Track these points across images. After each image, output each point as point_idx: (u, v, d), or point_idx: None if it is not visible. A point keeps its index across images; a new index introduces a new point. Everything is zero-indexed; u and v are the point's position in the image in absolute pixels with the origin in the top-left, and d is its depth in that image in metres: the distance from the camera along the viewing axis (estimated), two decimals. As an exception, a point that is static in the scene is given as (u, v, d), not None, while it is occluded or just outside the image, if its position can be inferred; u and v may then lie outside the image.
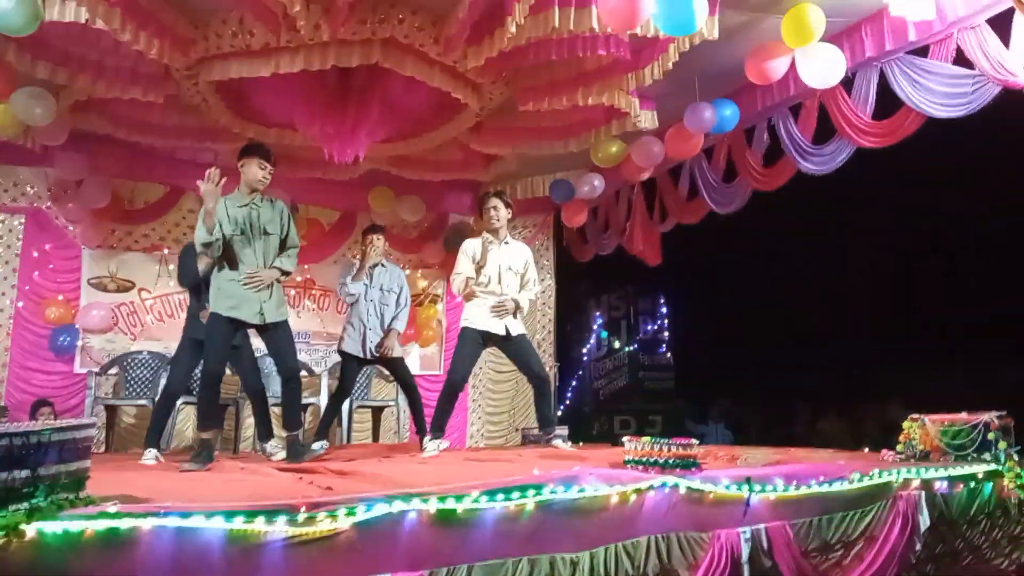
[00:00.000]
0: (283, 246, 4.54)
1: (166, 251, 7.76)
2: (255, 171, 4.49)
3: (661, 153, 6.70)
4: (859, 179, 6.43)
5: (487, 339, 5.11)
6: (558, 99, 5.92)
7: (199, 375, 4.56)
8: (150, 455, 4.44)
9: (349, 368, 5.68)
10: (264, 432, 4.83)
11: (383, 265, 5.75)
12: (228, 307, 4.28)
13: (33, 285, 7.26)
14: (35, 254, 7.33)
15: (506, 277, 5.15)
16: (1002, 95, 4.76)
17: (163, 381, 6.67)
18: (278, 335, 4.44)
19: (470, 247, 5.22)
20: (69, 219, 7.39)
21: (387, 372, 6.22)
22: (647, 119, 6.25)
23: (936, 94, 5.06)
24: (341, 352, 5.71)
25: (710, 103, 6.06)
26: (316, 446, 5.09)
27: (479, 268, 5.10)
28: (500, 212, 5.19)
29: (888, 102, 5.42)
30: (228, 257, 4.34)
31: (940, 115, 5.07)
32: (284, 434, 4.55)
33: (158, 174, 7.66)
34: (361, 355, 5.62)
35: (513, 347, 5.17)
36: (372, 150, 6.62)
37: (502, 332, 5.07)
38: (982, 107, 4.86)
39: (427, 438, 5.04)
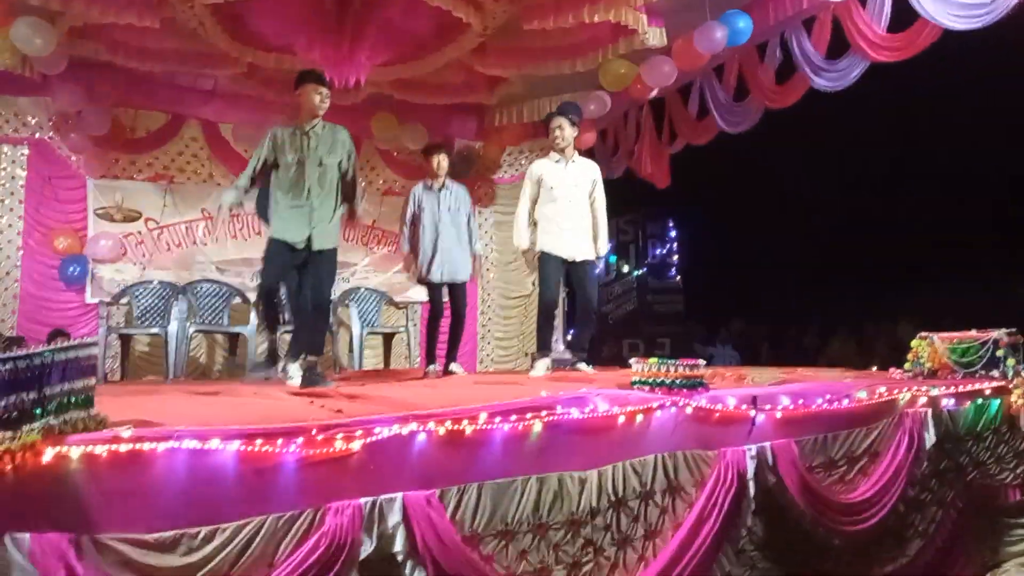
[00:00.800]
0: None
1: (167, 182, 7.71)
2: (312, 98, 4.53)
3: (673, 73, 6.54)
4: (870, 96, 6.27)
5: (564, 262, 5.19)
6: (564, 17, 5.75)
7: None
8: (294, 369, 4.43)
9: (436, 294, 5.55)
10: (295, 352, 4.77)
11: (447, 186, 5.57)
12: (279, 230, 4.45)
13: (40, 216, 7.25)
14: (40, 185, 7.29)
15: (575, 196, 5.17)
16: (1021, 5, 4.59)
17: (174, 309, 6.74)
18: (320, 262, 4.50)
19: (535, 172, 5.24)
20: (72, 149, 7.32)
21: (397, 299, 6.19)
22: (655, 36, 6.07)
23: (953, 5, 4.89)
24: (424, 282, 5.52)
25: (721, 21, 5.87)
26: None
27: (549, 190, 5.13)
28: (566, 132, 5.16)
29: (903, 15, 5.25)
30: (282, 183, 4.48)
31: (957, 27, 4.91)
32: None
33: (159, 101, 7.54)
34: (440, 280, 5.46)
35: (578, 271, 5.26)
36: (374, 74, 6.47)
37: (573, 258, 5.17)
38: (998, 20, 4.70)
39: (536, 358, 5.22)
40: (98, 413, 2.20)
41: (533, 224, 5.22)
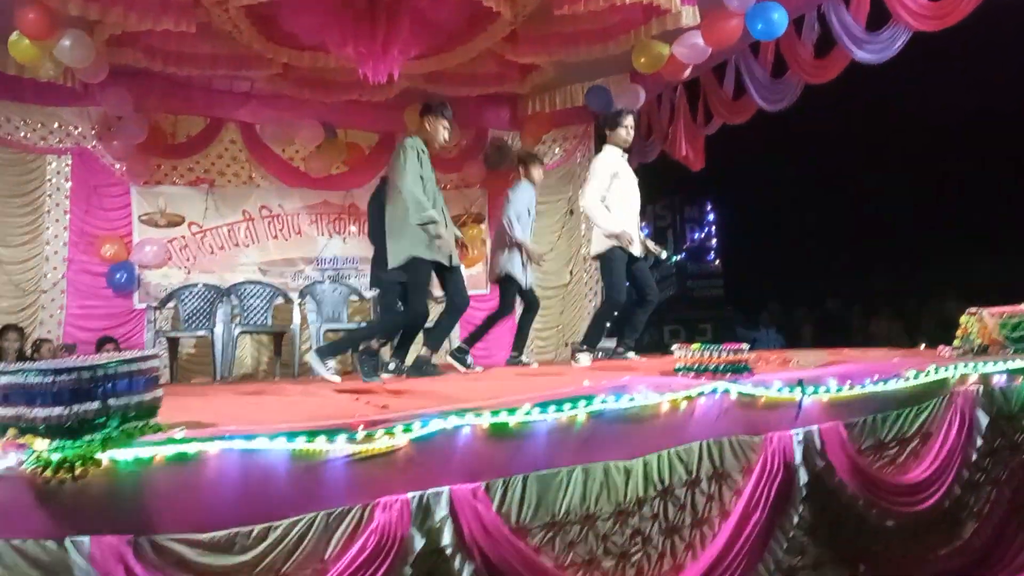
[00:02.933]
0: None
1: (208, 185, 7.84)
2: (440, 130, 4.92)
3: (707, 48, 6.41)
4: (911, 68, 6.11)
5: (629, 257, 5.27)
6: (595, 0, 5.70)
7: None
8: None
9: (510, 291, 5.70)
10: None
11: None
12: (430, 250, 4.61)
13: (85, 225, 7.42)
14: (85, 194, 7.45)
15: (636, 194, 5.36)
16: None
17: (219, 311, 6.85)
18: (459, 275, 4.86)
19: (612, 165, 5.30)
20: (115, 156, 7.49)
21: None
22: (688, 15, 5.97)
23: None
24: (507, 276, 5.65)
25: (751, 13, 5.78)
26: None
27: (622, 185, 5.25)
28: (632, 130, 5.39)
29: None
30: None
31: (1001, -10, 4.75)
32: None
33: (197, 105, 7.68)
34: (523, 278, 5.65)
35: (641, 265, 5.38)
36: (406, 68, 6.49)
37: (637, 253, 5.28)
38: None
39: (581, 352, 5.24)
40: (157, 423, 2.26)
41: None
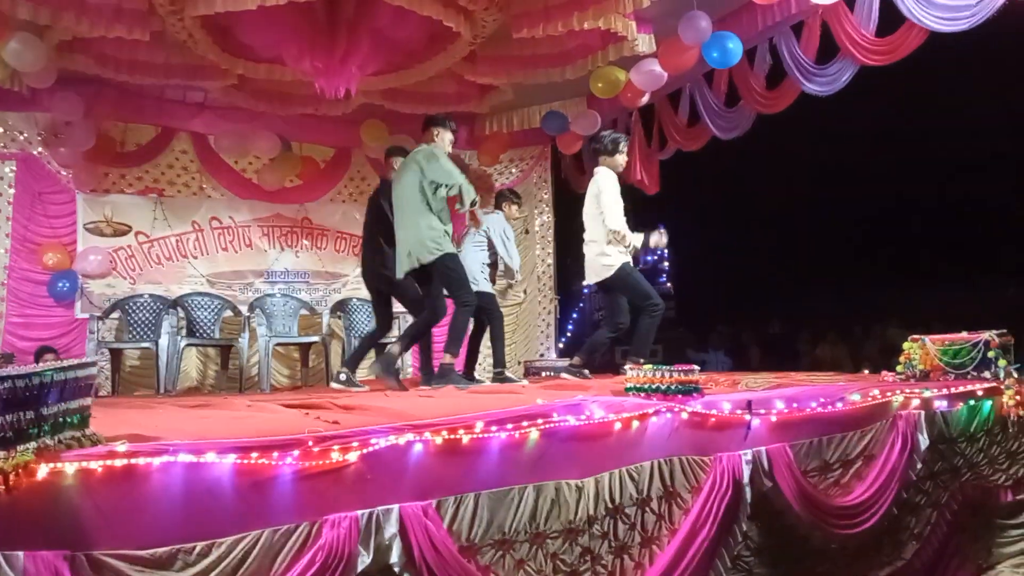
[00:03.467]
0: None
1: (158, 195, 7.69)
2: (447, 140, 5.09)
3: (663, 76, 6.55)
4: (858, 98, 6.32)
5: None
6: (553, 24, 5.77)
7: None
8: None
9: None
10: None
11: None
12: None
13: (28, 232, 7.19)
14: (28, 201, 7.23)
15: None
16: (1006, 7, 4.64)
17: (165, 323, 6.70)
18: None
19: (615, 180, 5.39)
20: (61, 163, 7.29)
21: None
22: (644, 43, 6.11)
23: (938, 7, 4.94)
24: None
25: (710, 44, 5.92)
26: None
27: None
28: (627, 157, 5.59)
29: (891, 18, 5.30)
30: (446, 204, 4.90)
31: (943, 29, 4.96)
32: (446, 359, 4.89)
33: (148, 115, 7.54)
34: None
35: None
36: (364, 84, 6.48)
37: None
38: (984, 21, 4.75)
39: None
40: (93, 432, 2.19)
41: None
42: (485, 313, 5.73)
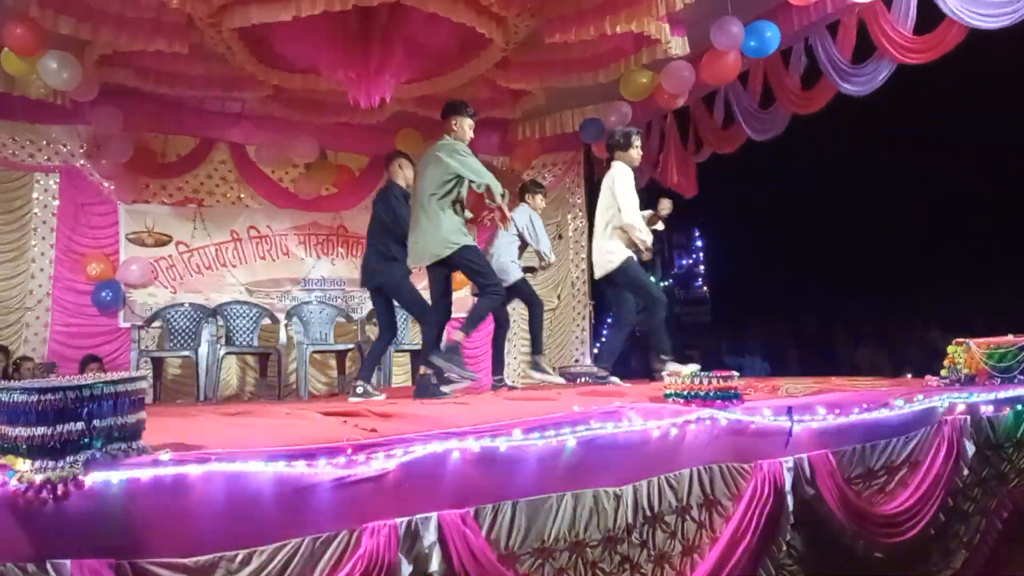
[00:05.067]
0: None
1: (197, 206, 7.82)
2: (467, 130, 4.90)
3: (692, 78, 6.52)
4: (898, 99, 6.22)
5: None
6: (585, 29, 5.77)
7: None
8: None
9: None
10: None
11: None
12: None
13: (72, 243, 7.36)
14: (72, 212, 7.40)
15: None
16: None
17: (205, 331, 6.80)
18: None
19: (630, 176, 5.35)
20: (103, 175, 7.45)
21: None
22: (678, 45, 6.07)
23: (978, 3, 4.85)
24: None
25: (747, 31, 5.86)
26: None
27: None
28: (641, 151, 5.50)
29: (929, 16, 5.21)
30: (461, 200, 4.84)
31: (983, 26, 4.87)
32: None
33: (188, 126, 7.70)
34: None
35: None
36: (398, 91, 6.52)
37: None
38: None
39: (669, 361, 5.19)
40: (140, 442, 2.22)
41: (618, 229, 5.27)
42: (524, 299, 5.80)
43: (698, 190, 7.90)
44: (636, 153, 5.43)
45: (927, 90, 7.53)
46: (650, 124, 8.15)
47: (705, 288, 13.65)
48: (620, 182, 5.25)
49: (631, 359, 12.71)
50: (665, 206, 5.72)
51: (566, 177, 9.06)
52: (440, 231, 4.70)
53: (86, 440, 2.05)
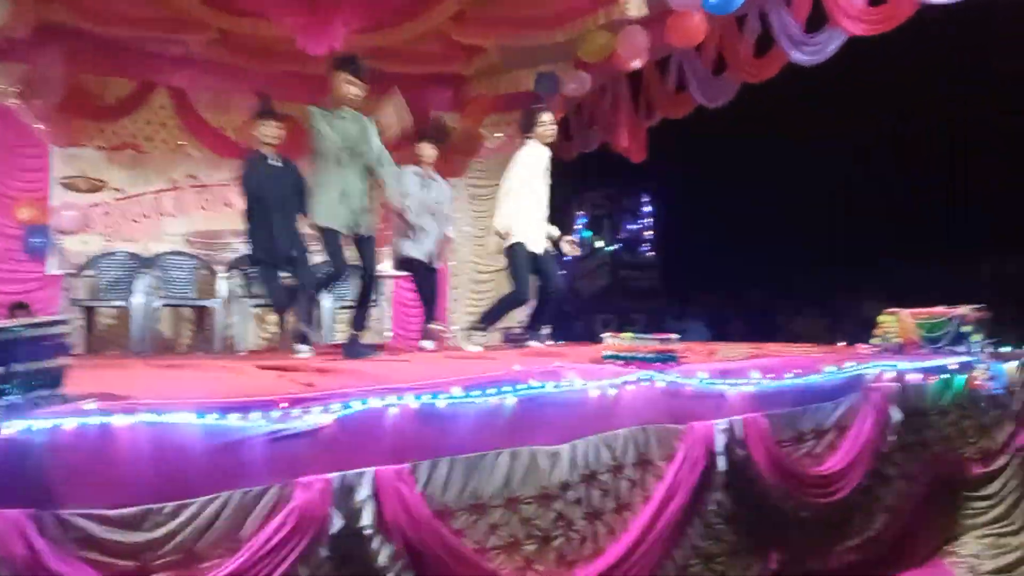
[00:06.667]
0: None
1: (135, 151, 7.54)
2: (344, 88, 4.54)
3: (647, 43, 6.48)
4: (844, 72, 6.29)
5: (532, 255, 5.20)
6: (542, -14, 5.69)
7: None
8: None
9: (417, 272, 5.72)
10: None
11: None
12: (334, 219, 4.52)
13: (2, 186, 7.04)
14: (2, 155, 7.07)
15: (546, 188, 5.27)
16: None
17: (139, 281, 6.60)
18: (370, 246, 4.70)
19: (532, 163, 5.20)
20: (36, 116, 7.11)
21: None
22: (635, 6, 6.02)
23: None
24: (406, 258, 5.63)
25: None
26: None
27: (537, 179, 5.18)
28: (552, 126, 5.25)
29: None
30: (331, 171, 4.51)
31: (934, 0, 4.91)
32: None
33: (128, 68, 7.36)
34: (426, 260, 5.63)
35: (545, 261, 5.31)
36: (348, 42, 6.35)
37: (541, 251, 5.22)
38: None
39: (468, 334, 5.31)
40: (64, 393, 2.16)
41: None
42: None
43: (647, 155, 7.90)
44: (543, 130, 5.23)
45: (880, 62, 7.66)
46: (603, 87, 8.10)
47: (652, 253, 13.78)
48: (518, 160, 5.23)
49: (576, 323, 12.88)
50: (566, 248, 5.64)
51: (517, 138, 8.97)
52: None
53: (4, 386, 1.98)
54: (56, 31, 6.45)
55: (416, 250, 5.55)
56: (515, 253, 5.16)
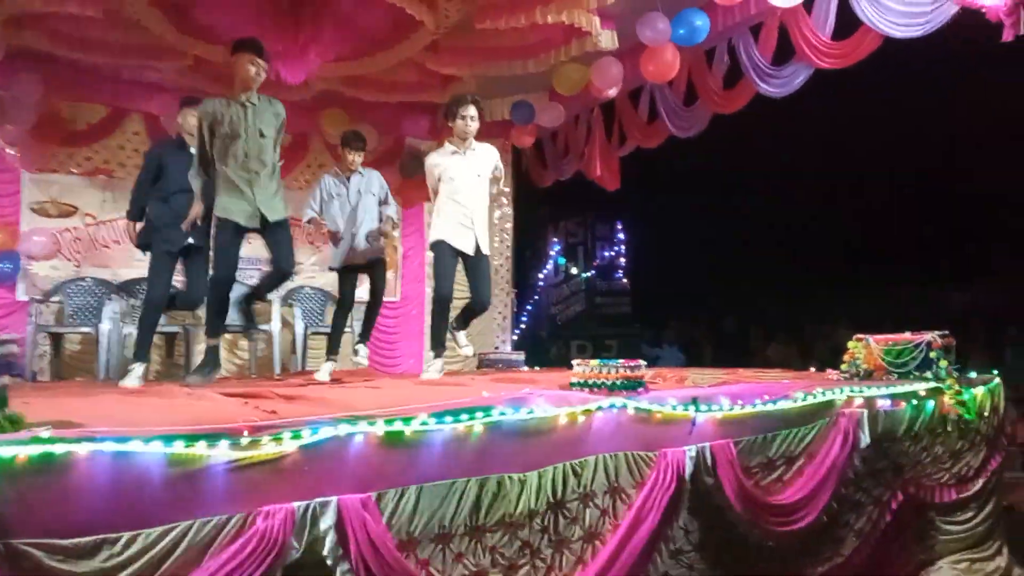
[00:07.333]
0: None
1: (107, 177, 7.49)
2: (247, 68, 4.43)
3: (620, 74, 6.58)
4: (815, 103, 6.41)
5: (458, 254, 5.03)
6: (517, 17, 5.76)
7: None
8: (135, 374, 4.44)
9: (346, 280, 5.55)
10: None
11: (360, 173, 5.54)
12: (228, 210, 4.36)
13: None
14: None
15: (474, 185, 5.06)
16: (959, 15, 4.72)
17: (107, 307, 6.52)
18: (282, 231, 4.55)
19: (437, 166, 5.11)
20: (7, 141, 7.05)
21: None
22: (607, 39, 6.10)
23: (893, 12, 5.01)
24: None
25: (678, 19, 5.94)
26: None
27: (450, 180, 5.03)
28: (476, 123, 5.05)
29: (847, 22, 5.36)
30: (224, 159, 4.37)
31: (897, 35, 5.03)
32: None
33: (101, 94, 7.34)
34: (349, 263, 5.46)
35: (477, 265, 5.08)
36: (324, 70, 6.39)
37: (471, 250, 5.02)
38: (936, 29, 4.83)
39: (431, 357, 5.20)
40: (13, 413, 2.11)
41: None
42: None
43: (620, 184, 7.98)
44: (463, 124, 5.03)
45: (847, 94, 7.80)
46: (577, 117, 8.19)
47: (626, 280, 13.85)
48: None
49: (551, 348, 12.86)
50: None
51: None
52: None
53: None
54: (29, 56, 6.43)
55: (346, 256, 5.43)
56: (438, 252, 5.04)
